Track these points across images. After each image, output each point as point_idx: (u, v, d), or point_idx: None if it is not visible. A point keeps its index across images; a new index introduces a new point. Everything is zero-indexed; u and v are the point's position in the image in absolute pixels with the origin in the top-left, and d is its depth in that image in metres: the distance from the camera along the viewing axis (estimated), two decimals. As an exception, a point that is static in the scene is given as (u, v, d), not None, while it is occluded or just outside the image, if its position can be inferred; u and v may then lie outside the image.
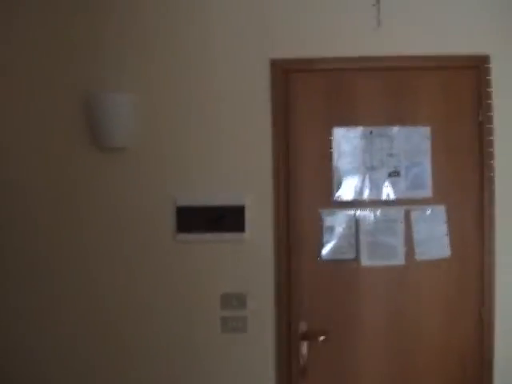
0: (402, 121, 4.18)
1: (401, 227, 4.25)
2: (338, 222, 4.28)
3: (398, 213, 4.27)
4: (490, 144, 4.18)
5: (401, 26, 4.12)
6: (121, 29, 4.21)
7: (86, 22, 4.22)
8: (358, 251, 4.24)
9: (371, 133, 4.29)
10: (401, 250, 4.24)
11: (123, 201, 4.22)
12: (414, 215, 4.25)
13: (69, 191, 4.23)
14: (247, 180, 4.17)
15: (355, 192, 4.29)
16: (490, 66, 4.09)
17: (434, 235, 4.23)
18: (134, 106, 4.17)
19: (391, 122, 4.19)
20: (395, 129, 4.26)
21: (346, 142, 4.28)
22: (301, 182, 4.24)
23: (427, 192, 4.26)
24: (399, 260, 4.23)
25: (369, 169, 4.30)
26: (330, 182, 4.25)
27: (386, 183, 4.30)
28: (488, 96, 4.11)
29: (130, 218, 4.29)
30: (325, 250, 4.27)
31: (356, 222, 4.27)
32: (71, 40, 4.21)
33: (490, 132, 4.13)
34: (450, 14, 4.12)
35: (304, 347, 4.20)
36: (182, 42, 4.21)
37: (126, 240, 4.27)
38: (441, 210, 4.26)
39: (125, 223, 4.27)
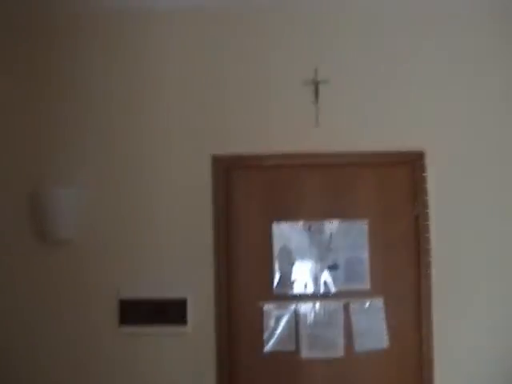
0: (340, 215, 4.28)
1: (340, 319, 4.32)
2: (278, 315, 4.34)
3: (337, 305, 4.34)
4: (427, 241, 4.26)
5: (339, 124, 4.28)
6: (69, 127, 4.32)
7: (35, 120, 4.32)
8: (298, 343, 4.29)
9: (310, 227, 4.38)
10: (340, 342, 4.29)
11: (67, 292, 4.24)
12: (352, 308, 4.32)
13: (12, 282, 4.24)
14: (189, 273, 4.21)
15: (295, 285, 4.37)
16: (425, 162, 4.23)
17: (372, 327, 4.29)
18: (80, 200, 4.24)
19: (330, 216, 4.29)
20: (334, 223, 4.34)
21: (286, 236, 4.36)
22: (242, 276, 4.29)
23: (365, 285, 4.34)
24: (339, 352, 4.28)
25: (308, 262, 4.39)
26: (270, 275, 4.30)
27: (326, 276, 4.37)
28: (423, 192, 4.23)
29: (74, 310, 4.29)
30: (266, 343, 4.32)
31: (296, 315, 4.32)
32: (20, 134, 4.31)
33: (427, 229, 4.24)
34: (386, 112, 4.28)
35: None
36: (128, 138, 4.32)
37: (69, 333, 4.24)
38: (379, 302, 4.33)
39: (68, 315, 4.25)
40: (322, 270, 4.35)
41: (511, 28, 4.32)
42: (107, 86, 4.34)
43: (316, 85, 4.28)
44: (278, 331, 4.29)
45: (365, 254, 4.28)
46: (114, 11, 4.31)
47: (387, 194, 4.28)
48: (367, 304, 4.32)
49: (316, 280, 4.35)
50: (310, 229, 4.33)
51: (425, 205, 4.22)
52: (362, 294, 4.26)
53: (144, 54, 4.35)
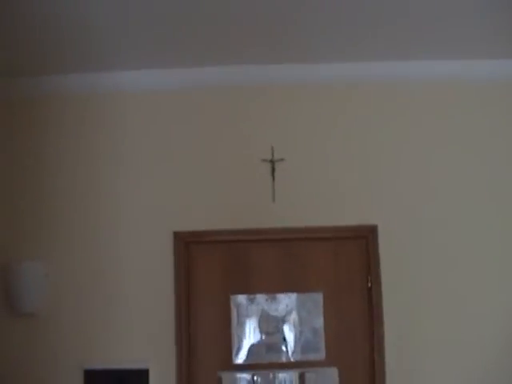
0: (296, 288, 4.36)
1: (296, 389, 4.39)
2: (237, 385, 4.42)
3: (293, 375, 4.43)
4: (380, 313, 4.30)
5: (294, 200, 4.37)
6: (35, 200, 4.39)
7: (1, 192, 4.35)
8: (256, 412, 4.36)
9: (267, 300, 4.48)
10: (297, 411, 4.36)
11: (33, 363, 4.26)
12: (308, 377, 4.41)
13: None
14: (151, 345, 4.25)
15: (253, 355, 4.42)
16: (378, 236, 4.32)
17: (328, 397, 4.34)
18: (46, 274, 4.30)
19: (286, 289, 4.37)
20: (290, 295, 4.41)
21: (244, 308, 4.41)
22: (202, 346, 4.33)
23: (321, 355, 4.41)
24: (295, 421, 4.35)
25: (265, 333, 4.48)
26: (229, 346, 4.35)
27: (282, 347, 4.48)
28: (376, 264, 4.31)
29: (40, 381, 4.27)
30: (225, 412, 4.37)
31: (254, 384, 4.41)
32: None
33: (380, 301, 4.29)
34: (339, 188, 4.38)
35: None
36: (92, 214, 4.39)
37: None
38: (334, 372, 4.42)
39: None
40: (278, 341, 4.45)
41: (455, 107, 4.46)
42: (72, 164, 4.43)
43: (272, 163, 4.36)
44: (237, 400, 4.36)
45: (320, 325, 4.35)
46: (79, 92, 4.44)
47: (342, 267, 4.36)
48: (322, 373, 4.41)
49: (273, 350, 4.46)
50: (267, 301, 4.40)
51: (378, 277, 4.29)
52: (317, 364, 4.33)
53: (108, 132, 4.46)
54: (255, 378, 4.42)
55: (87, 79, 4.37)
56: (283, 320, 4.40)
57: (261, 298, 4.37)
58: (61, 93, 4.38)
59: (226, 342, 4.34)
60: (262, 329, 4.42)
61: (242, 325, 4.41)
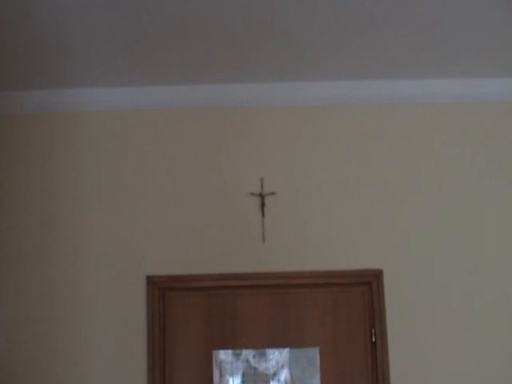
0: (289, 342, 3.94)
1: None
2: None
3: None
4: (385, 372, 3.90)
5: (287, 240, 4.00)
6: None
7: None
8: None
9: (255, 356, 3.98)
10: None
11: None
12: None
13: None
14: None
15: None
16: (383, 282, 3.95)
17: None
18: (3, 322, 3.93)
19: (277, 343, 3.94)
20: (281, 350, 3.95)
21: (228, 365, 3.95)
22: None
23: None
24: None
25: (253, 394, 3.96)
26: None
27: (273, 411, 3.95)
28: (382, 315, 3.93)
29: None
30: None
31: None
32: None
33: (386, 357, 3.91)
34: (338, 228, 4.04)
35: None
36: (59, 256, 4.00)
37: None
38: None
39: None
40: (268, 404, 3.92)
41: (469, 145, 4.13)
42: (30, 195, 4.07)
43: (262, 197, 3.99)
44: None
45: (316, 383, 3.89)
46: (45, 111, 4.11)
47: (341, 318, 3.97)
48: None
49: (263, 412, 3.93)
50: (255, 357, 3.95)
51: (383, 330, 3.90)
52: (313, 425, 3.88)
53: (71, 159, 4.11)
54: None
55: (46, 96, 4.04)
56: (273, 379, 3.93)
57: (248, 353, 3.93)
58: (17, 111, 4.08)
59: (207, 404, 3.86)
60: (249, 388, 3.93)
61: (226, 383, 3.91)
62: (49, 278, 3.96)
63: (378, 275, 3.93)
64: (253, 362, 3.97)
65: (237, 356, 3.95)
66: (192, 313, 3.95)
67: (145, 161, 4.07)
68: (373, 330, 3.92)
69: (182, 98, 4.03)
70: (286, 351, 3.93)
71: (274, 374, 3.98)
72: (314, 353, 3.92)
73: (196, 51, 3.59)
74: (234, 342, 3.92)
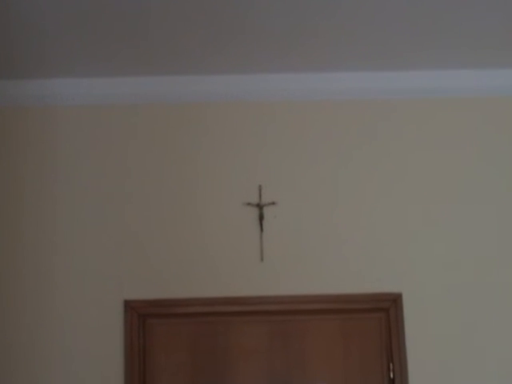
0: (291, 379, 3.62)
1: None
2: None
3: None
4: None
5: (289, 258, 3.70)
6: None
7: None
8: None
9: None
10: None
11: None
12: None
13: None
14: None
15: None
16: (403, 307, 3.64)
17: None
18: None
19: (277, 380, 3.61)
20: None
21: None
22: None
23: None
24: None
25: None
26: None
27: None
28: (401, 345, 3.61)
29: None
30: None
31: None
32: None
33: None
34: (349, 242, 3.73)
35: None
36: (32, 282, 3.69)
37: None
38: None
39: None
40: None
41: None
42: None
43: (260, 208, 3.70)
44: None
45: (324, 431, 3.57)
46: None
47: (353, 351, 3.64)
48: None
49: None
50: None
51: (403, 365, 3.58)
52: None
53: (37, 162, 3.78)
54: None
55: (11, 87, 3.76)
56: (273, 421, 3.61)
57: (242, 391, 3.58)
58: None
59: None
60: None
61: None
62: (17, 301, 3.68)
63: (396, 300, 3.63)
64: (248, 401, 3.64)
65: (229, 395, 3.63)
66: (176, 343, 3.65)
67: (120, 167, 3.79)
68: (391, 365, 3.60)
69: (163, 90, 3.78)
70: (286, 389, 3.59)
71: (274, 417, 3.64)
72: (321, 392, 3.63)
73: (182, 39, 3.38)
74: (225, 379, 3.63)
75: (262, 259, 3.66)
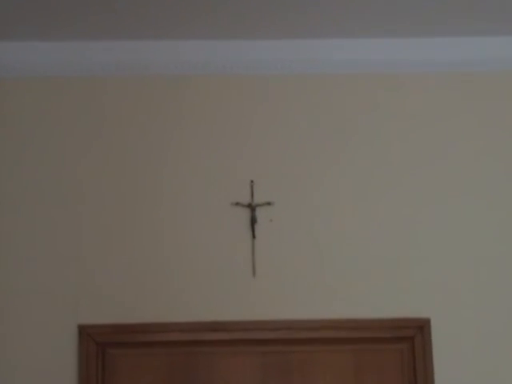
0: None
1: None
2: None
3: None
4: None
5: (287, 274, 3.31)
6: None
7: None
8: None
9: None
10: None
11: None
12: None
13: None
14: None
15: None
16: (431, 336, 3.26)
17: None
18: None
19: None
20: None
21: None
22: None
23: None
24: None
25: None
26: None
27: None
28: (428, 379, 3.25)
29: None
30: None
31: None
32: None
33: None
34: (363, 252, 3.36)
35: None
36: None
37: None
38: None
39: None
40: None
41: None
42: None
43: (252, 210, 3.31)
44: None
45: None
46: None
47: None
48: None
49: None
50: None
51: None
52: None
53: None
54: None
55: None
56: None
57: None
58: None
59: None
60: None
61: None
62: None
63: (423, 327, 3.27)
64: None
65: None
66: (146, 380, 3.27)
67: (76, 157, 3.38)
68: (417, 409, 3.32)
69: (132, 58, 3.35)
70: None
71: None
72: None
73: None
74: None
75: (253, 274, 3.27)
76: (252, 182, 3.28)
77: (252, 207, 3.25)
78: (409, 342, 3.23)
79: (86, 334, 3.17)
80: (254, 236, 3.22)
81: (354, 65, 3.42)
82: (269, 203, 3.25)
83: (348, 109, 3.47)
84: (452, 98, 3.45)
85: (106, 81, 3.38)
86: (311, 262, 3.30)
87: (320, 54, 3.39)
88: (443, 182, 3.42)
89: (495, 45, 3.41)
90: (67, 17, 3.10)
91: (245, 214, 3.28)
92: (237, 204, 3.26)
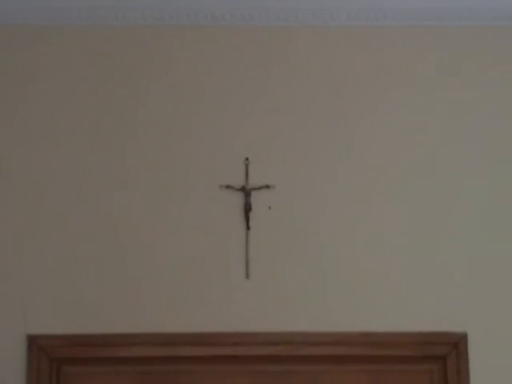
0: None
1: None
2: None
3: None
4: None
5: (288, 274, 2.89)
6: None
7: None
8: None
9: None
10: None
11: None
12: None
13: None
14: None
15: None
16: (468, 354, 2.87)
17: None
18: None
19: None
20: None
21: None
22: None
23: None
24: None
25: None
26: None
27: None
28: None
29: None
30: None
31: None
32: None
33: None
34: (384, 250, 2.94)
35: None
36: None
37: None
38: None
39: None
40: None
41: None
42: None
43: (247, 194, 2.87)
44: None
45: None
46: None
47: None
48: None
49: None
50: None
51: None
52: None
53: None
54: None
55: None
56: None
57: None
58: None
59: None
60: None
61: None
62: None
63: (457, 343, 2.87)
64: None
65: None
66: None
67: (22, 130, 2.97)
68: None
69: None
70: None
71: None
72: None
73: None
74: None
75: (247, 275, 2.83)
76: (247, 159, 2.87)
77: (246, 191, 2.85)
78: (440, 361, 2.84)
79: (37, 346, 2.77)
80: (248, 227, 2.80)
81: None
82: (267, 186, 2.84)
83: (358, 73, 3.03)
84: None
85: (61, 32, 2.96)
86: (318, 260, 2.86)
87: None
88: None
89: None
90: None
91: (237, 199, 2.86)
92: (227, 187, 2.85)
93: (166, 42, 3.03)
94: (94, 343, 2.78)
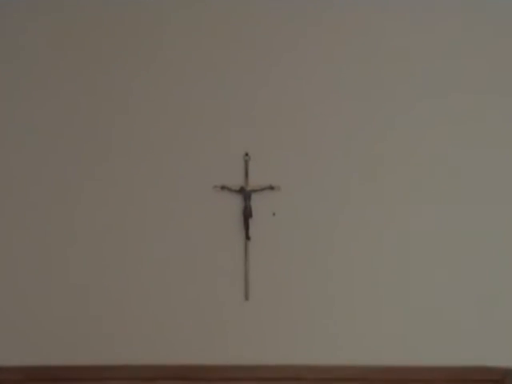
0: None
1: None
2: None
3: None
4: None
5: (292, 296, 2.54)
6: None
7: None
8: None
9: None
10: None
11: None
12: None
13: None
14: None
15: None
16: None
17: None
18: None
19: None
20: None
21: None
22: None
23: None
24: None
25: None
26: None
27: None
28: None
29: None
30: None
31: None
32: None
33: None
34: (411, 267, 2.59)
35: None
36: None
37: None
38: None
39: None
40: None
41: None
42: None
43: (246, 196, 2.50)
44: None
45: None
46: None
47: None
48: None
49: None
50: None
51: None
52: None
53: None
54: None
55: None
56: None
57: None
58: None
59: None
60: None
61: None
62: None
63: (503, 381, 2.52)
64: None
65: None
66: None
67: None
68: None
69: None
70: None
71: None
72: None
73: None
74: None
75: (246, 297, 2.48)
76: (247, 155, 2.50)
77: (246, 193, 2.48)
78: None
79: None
80: (247, 237, 2.44)
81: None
82: (271, 187, 2.48)
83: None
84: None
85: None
86: (331, 277, 2.48)
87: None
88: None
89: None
90: None
91: (235, 202, 2.50)
92: (222, 188, 2.48)
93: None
94: (56, 376, 2.43)
